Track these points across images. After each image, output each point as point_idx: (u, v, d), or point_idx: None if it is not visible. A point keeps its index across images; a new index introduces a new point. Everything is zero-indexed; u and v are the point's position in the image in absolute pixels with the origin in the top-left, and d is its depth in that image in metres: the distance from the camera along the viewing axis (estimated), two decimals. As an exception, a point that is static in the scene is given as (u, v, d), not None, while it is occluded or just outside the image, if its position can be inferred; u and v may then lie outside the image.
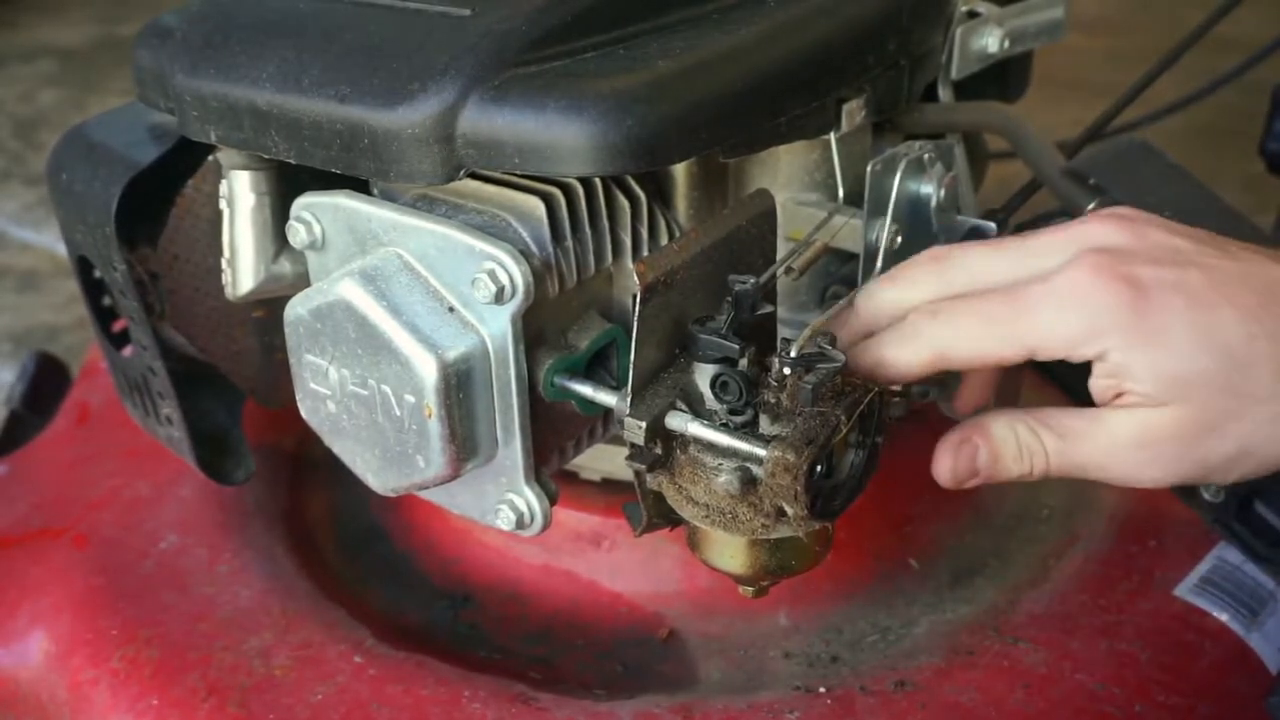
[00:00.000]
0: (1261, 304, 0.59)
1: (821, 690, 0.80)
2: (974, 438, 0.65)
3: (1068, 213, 0.81)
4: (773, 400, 0.60)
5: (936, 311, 0.63)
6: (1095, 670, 0.80)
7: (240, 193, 0.78)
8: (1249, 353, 0.59)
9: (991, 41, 0.90)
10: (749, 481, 0.60)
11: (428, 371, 0.65)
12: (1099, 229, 0.63)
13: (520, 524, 0.71)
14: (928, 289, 0.65)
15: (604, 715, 0.78)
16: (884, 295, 0.67)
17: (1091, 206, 0.79)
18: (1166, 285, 0.59)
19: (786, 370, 0.60)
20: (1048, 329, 0.60)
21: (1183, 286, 0.59)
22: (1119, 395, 0.61)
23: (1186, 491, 0.88)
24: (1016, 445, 0.64)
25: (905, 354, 0.64)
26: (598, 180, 0.71)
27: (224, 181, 0.78)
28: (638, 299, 0.60)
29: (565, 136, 0.62)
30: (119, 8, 3.50)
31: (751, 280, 0.62)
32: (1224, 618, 0.84)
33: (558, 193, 0.69)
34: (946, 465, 0.66)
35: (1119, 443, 0.61)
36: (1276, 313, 0.59)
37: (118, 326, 0.91)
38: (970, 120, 0.86)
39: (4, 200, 2.47)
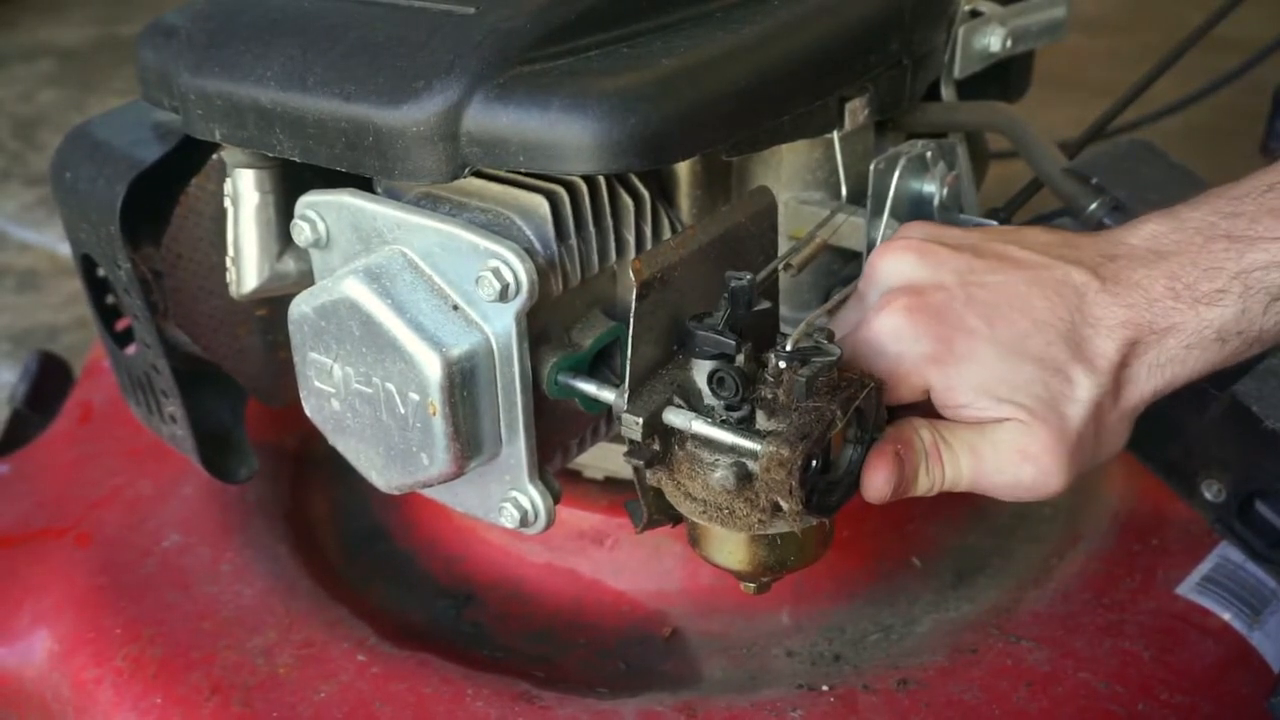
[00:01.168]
0: (1050, 308, 0.63)
1: (824, 688, 0.80)
2: (895, 449, 0.64)
3: (1069, 212, 0.82)
4: (769, 396, 0.60)
5: None
6: (1098, 668, 0.80)
7: (244, 191, 0.78)
8: (1052, 357, 0.62)
9: (993, 41, 0.90)
10: (745, 477, 0.60)
11: (432, 369, 0.65)
12: (895, 265, 0.66)
13: (523, 522, 0.71)
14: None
15: (607, 714, 0.79)
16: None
17: (1093, 207, 0.79)
18: (963, 309, 0.63)
19: (781, 363, 0.60)
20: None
21: (977, 308, 0.63)
22: (960, 410, 0.64)
23: (1187, 491, 0.88)
24: (925, 452, 0.64)
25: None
26: (601, 178, 0.71)
27: (228, 180, 0.78)
28: (634, 295, 0.60)
29: (569, 134, 0.62)
30: (119, 8, 3.50)
31: (748, 276, 0.62)
32: (1226, 616, 0.84)
33: (562, 191, 0.69)
34: (879, 479, 0.64)
35: (1005, 453, 0.63)
36: (1064, 314, 0.63)
37: (121, 325, 0.91)
38: (972, 119, 0.86)
39: (4, 200, 2.47)
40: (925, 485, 0.65)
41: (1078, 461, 0.64)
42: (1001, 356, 0.62)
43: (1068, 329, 0.63)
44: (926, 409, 0.65)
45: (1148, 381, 0.64)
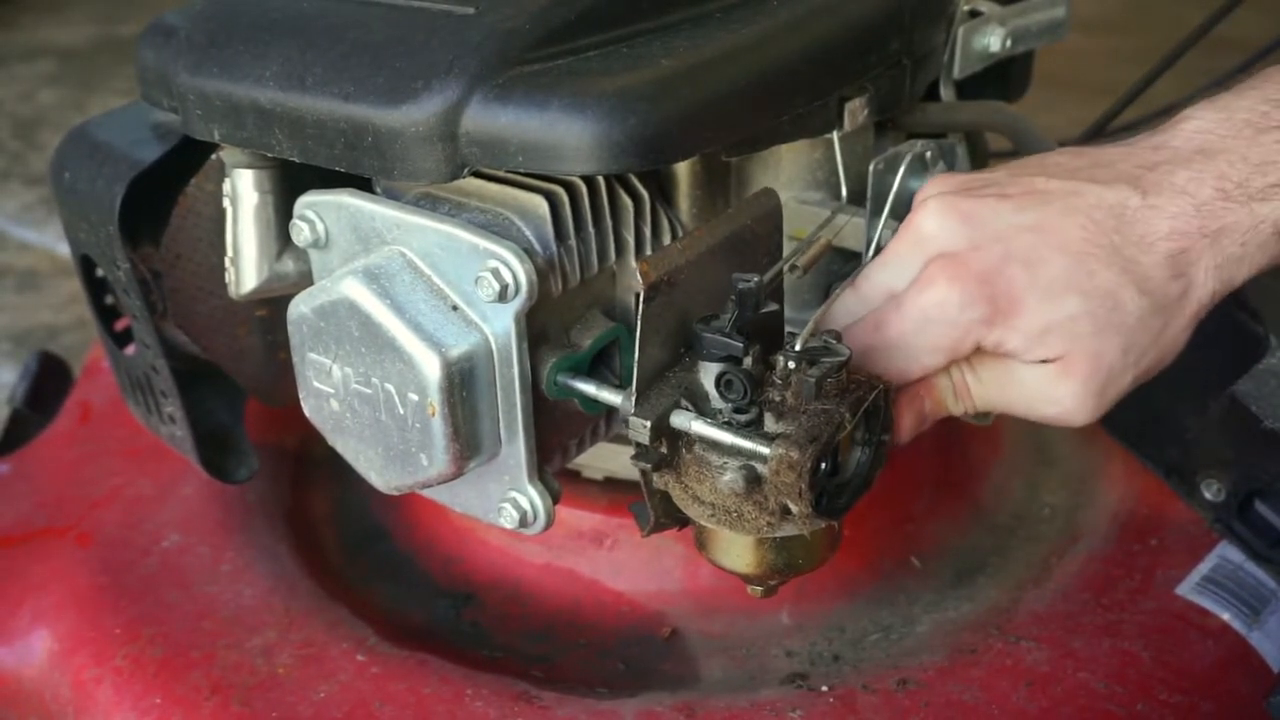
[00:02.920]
0: (1088, 237, 0.62)
1: (824, 688, 0.80)
2: (919, 392, 0.68)
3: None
4: (777, 398, 0.60)
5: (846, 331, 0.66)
6: (1097, 668, 0.80)
7: (243, 191, 0.78)
8: (1097, 286, 0.62)
9: (993, 41, 0.90)
10: (754, 480, 0.60)
11: (431, 370, 0.65)
12: (929, 230, 0.65)
13: (523, 522, 0.71)
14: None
15: (606, 714, 0.79)
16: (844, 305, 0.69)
17: None
18: (1002, 263, 0.63)
19: (790, 364, 0.60)
20: (927, 352, 0.64)
21: (1015, 257, 0.63)
22: (1010, 358, 0.65)
23: (1187, 490, 0.89)
24: (952, 387, 0.67)
25: None
26: (601, 179, 0.71)
27: (227, 180, 0.78)
28: (641, 298, 0.60)
29: (569, 135, 0.62)
30: (119, 8, 3.50)
31: (755, 279, 0.62)
32: (1225, 616, 0.84)
33: (561, 191, 0.69)
34: (906, 423, 0.67)
35: (1022, 384, 0.65)
36: (1107, 242, 0.62)
37: (120, 325, 0.91)
38: (973, 119, 0.86)
39: (4, 200, 2.47)
40: (957, 412, 0.67)
41: (1115, 390, 0.64)
42: (1048, 300, 0.62)
43: (1109, 253, 0.62)
44: None
45: (1205, 286, 0.63)
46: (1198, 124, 0.63)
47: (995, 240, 0.63)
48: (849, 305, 0.68)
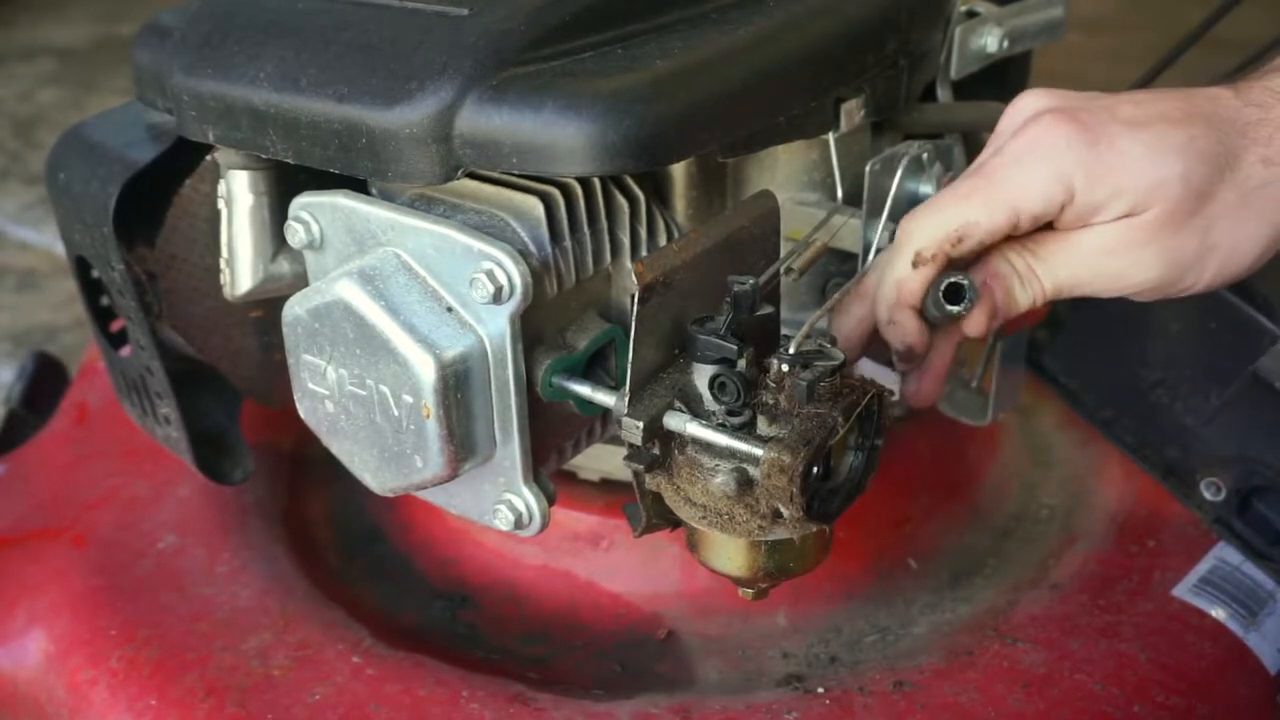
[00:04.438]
0: (1188, 115, 0.65)
1: (820, 690, 0.79)
2: (988, 282, 0.69)
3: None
4: (771, 401, 0.60)
5: (914, 213, 0.69)
6: (1094, 670, 0.79)
7: (238, 192, 0.78)
8: (1194, 152, 0.64)
9: (991, 41, 0.89)
10: (745, 482, 0.60)
11: (426, 371, 0.65)
12: (1033, 97, 0.69)
13: (518, 524, 0.71)
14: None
15: (602, 715, 0.78)
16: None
17: None
18: (1105, 120, 0.65)
19: (784, 367, 0.59)
20: (1020, 186, 0.66)
21: (1120, 116, 0.66)
22: (1091, 222, 0.66)
23: (1185, 492, 0.88)
24: (1017, 275, 0.69)
25: (899, 260, 0.68)
26: (596, 180, 0.71)
27: (222, 181, 0.78)
28: (636, 299, 0.60)
29: (563, 136, 0.62)
30: (119, 8, 3.50)
31: (751, 281, 0.61)
32: (1223, 617, 0.84)
33: (556, 193, 0.69)
34: (978, 319, 0.69)
35: (1089, 255, 0.67)
36: (1202, 119, 0.65)
37: (116, 326, 0.91)
38: (969, 120, 0.86)
39: (3, 200, 2.47)
40: (1026, 302, 0.69)
41: (1187, 260, 0.66)
42: (1149, 156, 0.64)
43: (1207, 124, 0.65)
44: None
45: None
46: None
47: (1100, 106, 0.66)
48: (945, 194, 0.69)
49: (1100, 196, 0.65)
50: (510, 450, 0.69)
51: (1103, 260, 0.67)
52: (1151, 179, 0.64)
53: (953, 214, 0.67)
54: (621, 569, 0.90)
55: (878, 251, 0.77)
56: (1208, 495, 0.85)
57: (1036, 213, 0.66)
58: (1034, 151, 0.66)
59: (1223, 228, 0.65)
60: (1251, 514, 0.86)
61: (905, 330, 0.70)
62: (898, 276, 0.69)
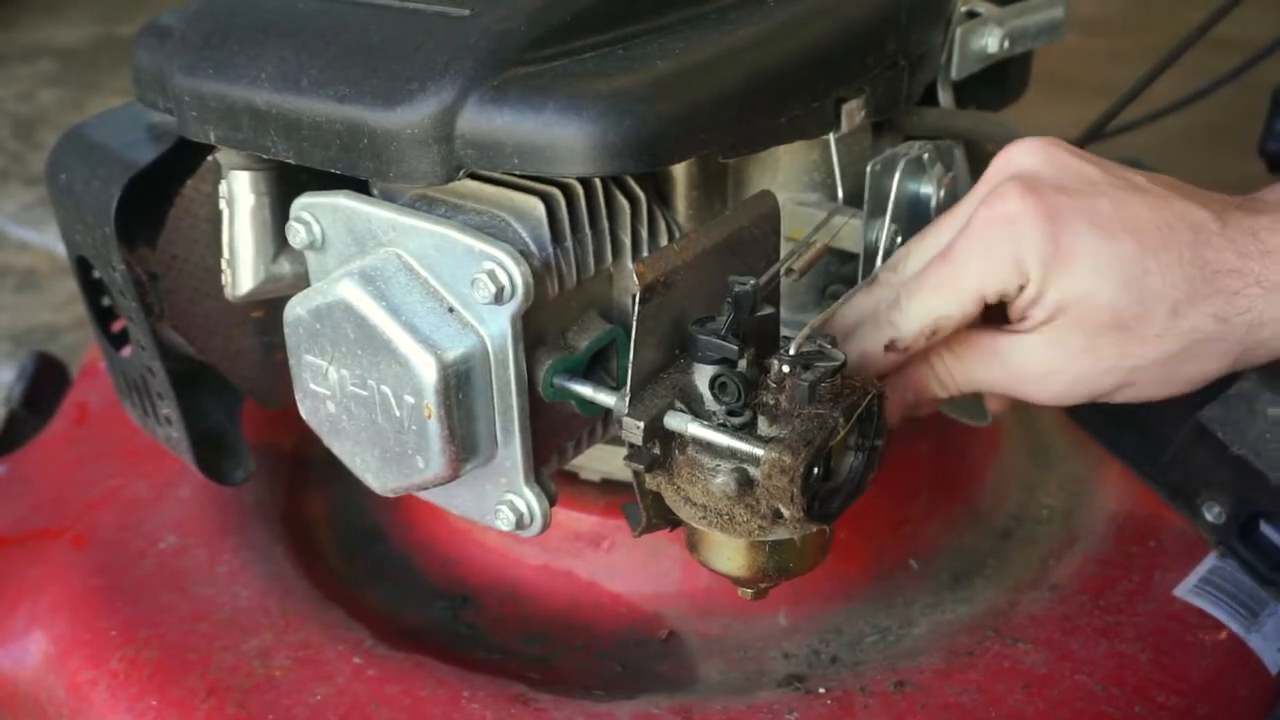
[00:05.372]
0: (1161, 240, 0.62)
1: (821, 691, 0.79)
2: (900, 381, 0.71)
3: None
4: (771, 402, 0.60)
5: (894, 301, 0.69)
6: (1095, 671, 0.79)
7: (239, 193, 0.78)
8: (1143, 288, 0.62)
9: (991, 41, 0.89)
10: (746, 483, 0.60)
11: (427, 372, 0.65)
12: (1019, 154, 0.67)
13: (520, 524, 0.71)
14: (890, 291, 0.70)
15: (603, 716, 0.78)
16: (856, 306, 0.72)
17: None
18: (1077, 212, 0.62)
19: (785, 368, 0.59)
20: (982, 271, 0.65)
21: (1091, 213, 0.63)
22: (1023, 319, 0.66)
23: (1189, 512, 0.88)
24: (935, 377, 0.70)
25: (872, 336, 0.69)
26: (597, 181, 0.71)
27: (223, 182, 0.78)
28: (637, 299, 0.60)
29: (564, 136, 0.62)
30: (119, 8, 3.50)
31: (751, 281, 0.61)
32: (1223, 618, 0.84)
33: (557, 193, 0.69)
34: (890, 414, 0.69)
35: (1007, 363, 0.67)
36: (1174, 250, 0.62)
37: (117, 326, 0.91)
38: (968, 128, 0.86)
39: (4, 200, 2.47)
40: (942, 396, 0.70)
41: (1090, 388, 0.66)
42: (1095, 274, 0.62)
43: (1171, 262, 0.62)
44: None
45: (1238, 340, 0.63)
46: None
47: (1080, 194, 0.63)
48: (924, 239, 0.69)
49: (1045, 291, 0.64)
50: (511, 450, 0.69)
51: (1019, 367, 0.67)
52: (1083, 290, 0.62)
53: (927, 308, 0.67)
54: (623, 569, 0.90)
55: (884, 255, 0.77)
56: (1209, 518, 0.84)
57: (999, 294, 0.66)
58: (994, 229, 0.64)
59: (1147, 368, 0.64)
60: (1256, 538, 0.85)
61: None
62: (866, 350, 0.69)
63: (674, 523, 0.66)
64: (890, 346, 0.68)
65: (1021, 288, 0.64)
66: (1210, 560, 0.88)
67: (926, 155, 0.79)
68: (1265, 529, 0.83)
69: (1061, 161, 0.65)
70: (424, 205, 0.70)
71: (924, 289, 0.68)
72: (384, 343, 0.66)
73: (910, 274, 0.70)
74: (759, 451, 0.59)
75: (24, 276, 2.18)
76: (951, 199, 0.81)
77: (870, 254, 0.78)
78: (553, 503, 0.71)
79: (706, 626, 0.87)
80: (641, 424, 0.61)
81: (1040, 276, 0.63)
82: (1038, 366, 0.66)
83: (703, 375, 0.62)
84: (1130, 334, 0.63)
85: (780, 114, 0.71)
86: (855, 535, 0.89)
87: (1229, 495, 0.82)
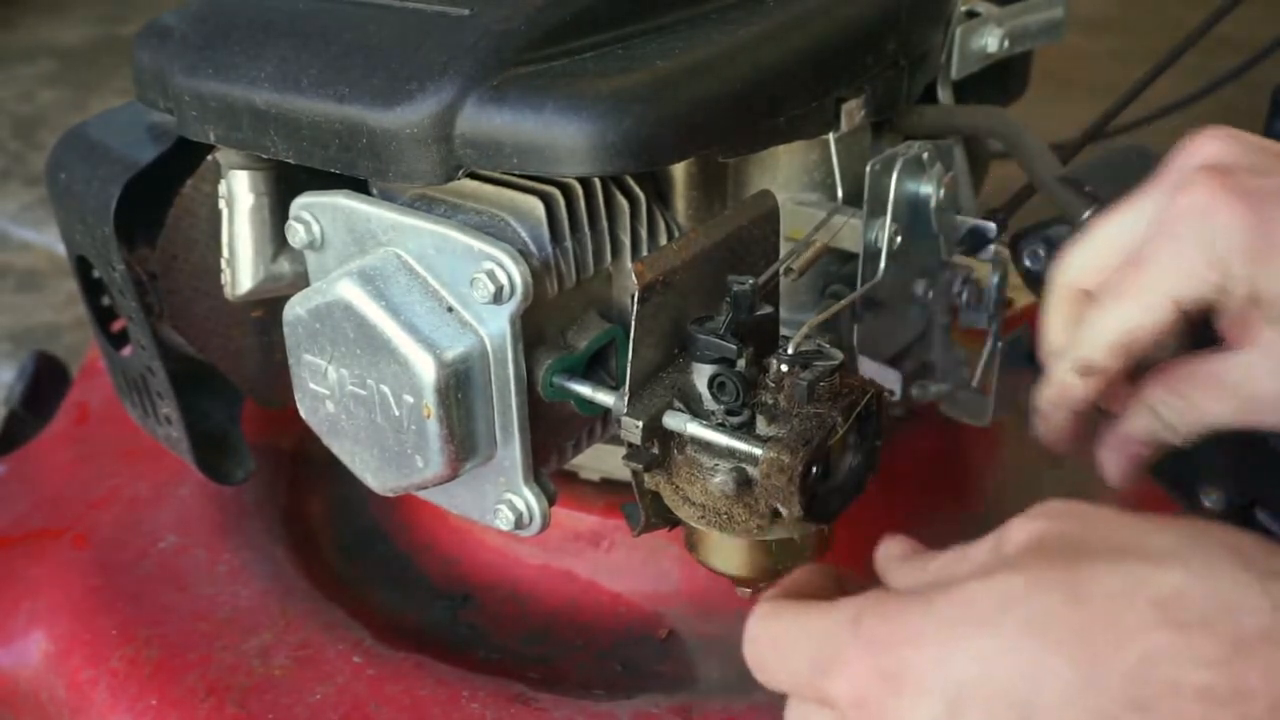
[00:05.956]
0: None
1: (820, 690, 0.79)
2: (1123, 434, 0.63)
3: (1067, 220, 0.81)
4: (770, 401, 0.60)
5: (1081, 319, 0.62)
6: (1094, 671, 0.79)
7: (239, 193, 0.78)
8: None
9: (991, 41, 0.89)
10: (744, 482, 0.60)
11: (426, 371, 0.65)
12: (1203, 141, 0.59)
13: (519, 524, 0.71)
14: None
15: (603, 715, 0.78)
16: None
17: (1087, 215, 0.79)
18: (1276, 194, 0.55)
19: (783, 367, 0.59)
20: (1173, 274, 0.57)
21: None
22: (1237, 331, 0.57)
23: (1189, 501, 0.88)
24: (1163, 424, 0.62)
25: (1061, 363, 0.63)
26: (597, 180, 0.71)
27: (223, 181, 0.78)
28: (636, 299, 0.60)
29: (564, 136, 0.62)
30: (119, 8, 3.50)
31: (750, 281, 0.61)
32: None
33: (557, 193, 0.69)
34: (1112, 467, 0.64)
35: (1244, 390, 0.58)
36: None
37: (117, 326, 0.91)
38: (968, 123, 0.86)
39: (4, 200, 2.47)
40: (1176, 441, 0.62)
41: None
42: None
43: None
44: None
45: None
46: None
47: (1273, 169, 0.56)
48: (1082, 250, 0.62)
49: (1256, 289, 0.55)
50: (511, 450, 0.69)
51: (1250, 391, 0.57)
52: None
53: (1115, 319, 0.59)
54: (622, 569, 0.90)
55: (888, 257, 0.77)
56: (1208, 505, 0.84)
57: (1196, 299, 0.57)
58: (1184, 224, 0.56)
59: None
60: (1252, 525, 0.85)
61: (1057, 428, 0.65)
62: (1063, 380, 0.62)
63: (673, 522, 0.66)
64: (1085, 370, 0.61)
65: (1223, 291, 0.56)
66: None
67: (926, 155, 0.79)
68: (1260, 516, 0.83)
69: (1256, 145, 0.58)
70: (423, 205, 0.70)
71: (1109, 299, 0.60)
72: (383, 342, 0.66)
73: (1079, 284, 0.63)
74: (757, 451, 0.59)
75: (24, 276, 2.18)
76: (951, 199, 0.81)
77: (870, 254, 0.78)
78: (552, 502, 0.71)
79: (707, 626, 0.87)
80: (640, 423, 0.61)
81: (1248, 274, 0.54)
82: (1271, 384, 0.56)
83: (701, 375, 0.62)
84: None
85: (780, 114, 0.71)
86: (855, 536, 0.88)
87: (1228, 482, 0.82)
